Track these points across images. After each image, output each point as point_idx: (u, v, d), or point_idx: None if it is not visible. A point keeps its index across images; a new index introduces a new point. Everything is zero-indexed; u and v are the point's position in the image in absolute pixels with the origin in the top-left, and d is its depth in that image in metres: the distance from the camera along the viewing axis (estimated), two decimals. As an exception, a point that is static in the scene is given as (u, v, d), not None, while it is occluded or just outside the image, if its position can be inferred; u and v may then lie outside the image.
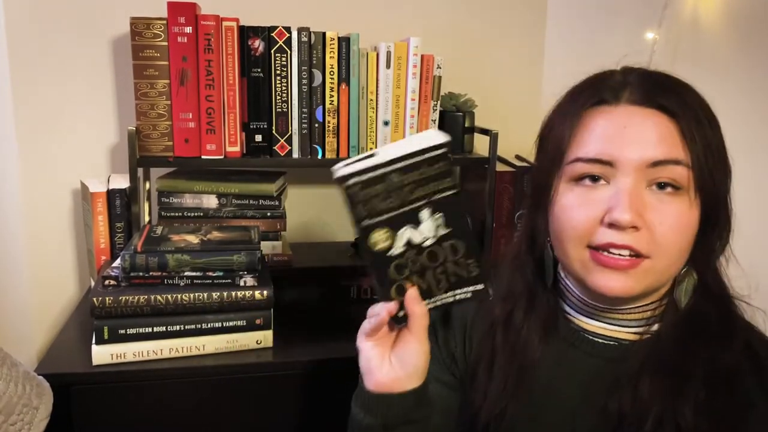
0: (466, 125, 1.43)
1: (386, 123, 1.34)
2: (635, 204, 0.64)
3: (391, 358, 0.69)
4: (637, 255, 0.65)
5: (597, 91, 0.70)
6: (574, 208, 0.68)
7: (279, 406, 1.10)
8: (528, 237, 0.78)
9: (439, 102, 1.38)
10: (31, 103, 1.39)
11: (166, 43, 1.22)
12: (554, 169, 0.71)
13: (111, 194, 1.28)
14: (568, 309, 0.76)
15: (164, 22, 1.21)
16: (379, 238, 0.67)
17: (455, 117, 1.42)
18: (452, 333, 0.84)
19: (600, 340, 0.73)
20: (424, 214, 0.66)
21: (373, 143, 1.35)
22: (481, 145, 1.50)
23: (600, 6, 1.49)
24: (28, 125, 1.40)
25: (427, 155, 0.64)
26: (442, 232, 0.66)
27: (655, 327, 0.71)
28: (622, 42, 1.39)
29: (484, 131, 1.40)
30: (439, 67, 1.36)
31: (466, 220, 0.66)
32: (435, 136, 0.64)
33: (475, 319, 0.82)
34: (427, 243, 0.67)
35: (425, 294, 0.68)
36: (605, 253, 0.65)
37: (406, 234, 0.66)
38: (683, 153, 0.65)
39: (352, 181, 0.65)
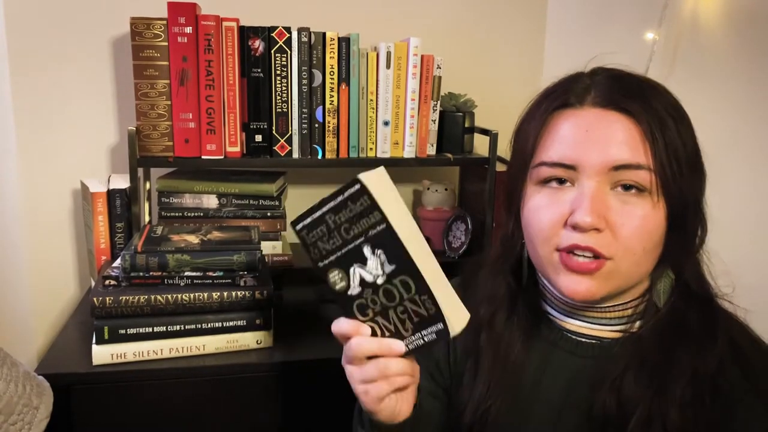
0: (466, 125, 1.43)
1: (386, 123, 1.34)
2: (597, 207, 0.65)
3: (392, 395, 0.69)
4: (599, 256, 0.65)
5: (563, 94, 0.71)
6: (541, 210, 0.69)
7: (279, 406, 1.10)
8: (504, 240, 0.78)
9: (439, 102, 1.38)
10: (31, 103, 1.39)
11: (166, 43, 1.22)
12: (522, 172, 0.72)
13: (111, 194, 1.28)
14: (549, 309, 0.76)
15: (164, 22, 1.21)
16: (336, 279, 0.69)
17: (455, 117, 1.42)
18: None
19: (582, 339, 0.73)
20: (367, 251, 0.67)
21: (373, 143, 1.35)
22: (481, 145, 1.50)
23: (600, 6, 1.49)
24: (28, 125, 1.40)
25: (347, 193, 0.66)
26: (389, 269, 0.67)
27: (637, 324, 0.71)
28: (622, 42, 1.39)
29: (484, 131, 1.41)
30: (439, 67, 1.36)
31: (407, 254, 0.65)
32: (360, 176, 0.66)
33: None
34: (380, 281, 0.67)
35: (396, 337, 0.68)
36: (572, 256, 0.66)
37: (357, 273, 0.68)
38: (645, 157, 0.65)
39: (299, 226, 0.69)
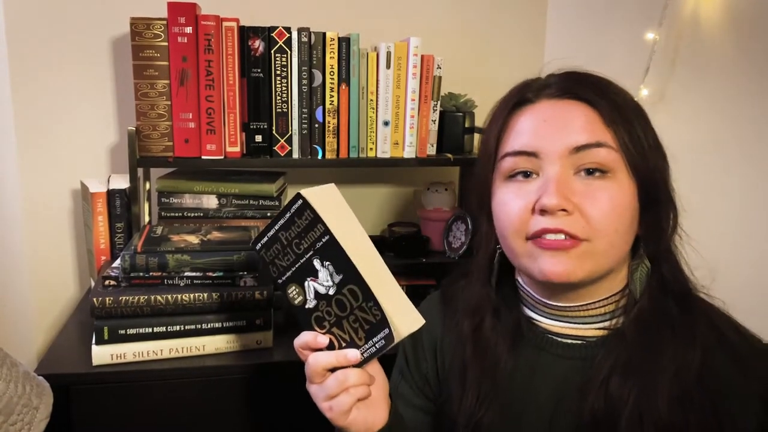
0: (466, 125, 1.43)
1: (386, 123, 1.34)
2: (561, 189, 0.65)
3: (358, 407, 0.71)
4: (573, 237, 0.65)
5: (520, 93, 0.73)
6: (508, 203, 0.70)
7: (279, 406, 1.10)
8: (487, 248, 0.79)
9: (439, 102, 1.38)
10: (31, 103, 1.39)
11: (166, 44, 1.22)
12: (488, 170, 0.74)
13: (111, 194, 1.28)
14: (531, 314, 0.76)
15: (164, 22, 1.21)
16: (294, 293, 0.74)
17: (455, 117, 1.42)
18: (423, 354, 0.84)
19: (568, 341, 0.73)
20: (317, 264, 0.70)
21: (373, 143, 1.35)
22: (481, 146, 1.50)
23: (600, 6, 1.49)
24: (28, 125, 1.40)
25: (292, 209, 0.70)
26: (337, 279, 0.70)
27: (620, 320, 0.71)
28: (622, 42, 1.39)
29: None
30: (439, 67, 1.36)
31: (351, 263, 0.68)
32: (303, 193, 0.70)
33: (445, 336, 0.82)
34: (331, 292, 0.71)
35: (351, 346, 0.71)
36: (544, 238, 0.66)
37: (311, 286, 0.72)
38: (606, 136, 0.67)
39: (258, 246, 0.74)
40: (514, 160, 0.70)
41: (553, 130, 0.68)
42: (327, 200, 0.71)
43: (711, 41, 1.21)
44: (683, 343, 0.67)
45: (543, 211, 0.66)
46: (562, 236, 0.65)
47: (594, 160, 0.66)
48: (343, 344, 0.72)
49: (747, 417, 0.65)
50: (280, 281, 0.74)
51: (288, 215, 0.71)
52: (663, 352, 0.67)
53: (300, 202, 0.69)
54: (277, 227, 0.72)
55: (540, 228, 0.66)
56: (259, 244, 0.74)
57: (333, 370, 0.71)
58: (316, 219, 0.69)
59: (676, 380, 0.65)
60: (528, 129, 0.70)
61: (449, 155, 1.40)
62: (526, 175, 0.69)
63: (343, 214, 0.73)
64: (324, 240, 0.69)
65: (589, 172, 0.67)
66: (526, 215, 0.68)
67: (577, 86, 0.70)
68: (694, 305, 0.71)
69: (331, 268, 0.70)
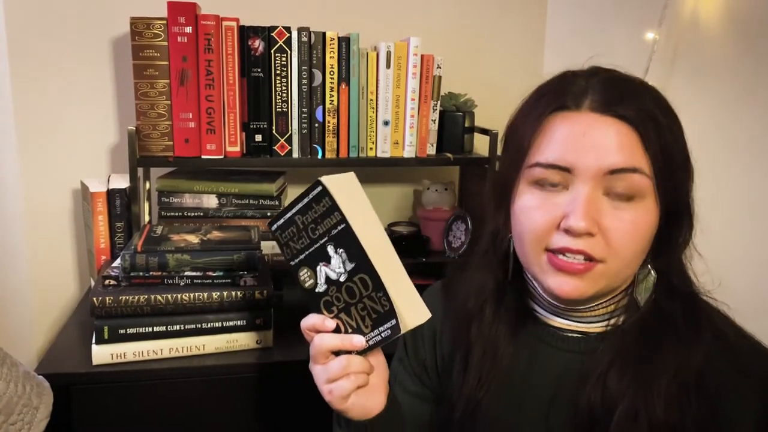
0: (466, 125, 1.43)
1: (386, 123, 1.34)
2: (590, 211, 0.65)
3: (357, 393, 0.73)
4: (590, 259, 0.66)
5: (559, 95, 0.70)
6: (533, 210, 0.69)
7: (279, 406, 1.10)
8: (493, 234, 0.79)
9: (439, 102, 1.38)
10: (31, 103, 1.39)
11: (166, 43, 1.22)
12: (515, 170, 0.72)
13: (111, 194, 1.28)
14: (534, 306, 0.77)
15: (164, 22, 1.21)
16: (305, 276, 0.75)
17: (455, 117, 1.42)
18: (421, 342, 0.85)
19: (568, 335, 0.74)
20: (330, 250, 0.72)
21: (373, 143, 1.35)
22: (481, 145, 1.50)
23: (600, 6, 1.49)
24: (28, 125, 1.40)
25: (311, 194, 0.71)
26: (349, 266, 0.71)
27: (621, 319, 0.72)
28: (622, 42, 1.39)
29: (484, 131, 1.41)
30: (439, 67, 1.36)
31: (364, 252, 0.69)
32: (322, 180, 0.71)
33: (445, 321, 0.83)
34: (342, 278, 0.72)
35: (357, 333, 0.72)
36: (561, 257, 0.66)
37: (322, 271, 0.73)
38: (642, 161, 0.65)
39: (274, 226, 0.76)
40: (545, 172, 0.68)
41: (590, 147, 0.66)
42: (346, 188, 0.72)
43: (711, 41, 1.21)
44: (685, 345, 0.67)
45: (567, 231, 0.65)
46: (581, 257, 0.65)
47: (626, 185, 0.65)
48: (350, 330, 0.73)
49: (746, 419, 0.65)
50: (292, 263, 0.75)
51: (306, 200, 0.72)
52: (664, 352, 0.67)
53: (319, 188, 0.70)
54: (294, 210, 0.73)
55: (562, 246, 0.66)
56: (275, 225, 0.75)
57: (337, 354, 0.72)
58: (334, 207, 0.70)
59: (675, 380, 0.65)
60: (563, 141, 0.67)
61: (449, 155, 1.40)
62: (554, 184, 0.68)
63: (361, 203, 0.74)
64: (339, 228, 0.70)
65: (619, 194, 0.66)
66: (550, 229, 0.67)
67: (619, 103, 0.67)
68: (698, 308, 0.71)
69: (344, 255, 0.71)
